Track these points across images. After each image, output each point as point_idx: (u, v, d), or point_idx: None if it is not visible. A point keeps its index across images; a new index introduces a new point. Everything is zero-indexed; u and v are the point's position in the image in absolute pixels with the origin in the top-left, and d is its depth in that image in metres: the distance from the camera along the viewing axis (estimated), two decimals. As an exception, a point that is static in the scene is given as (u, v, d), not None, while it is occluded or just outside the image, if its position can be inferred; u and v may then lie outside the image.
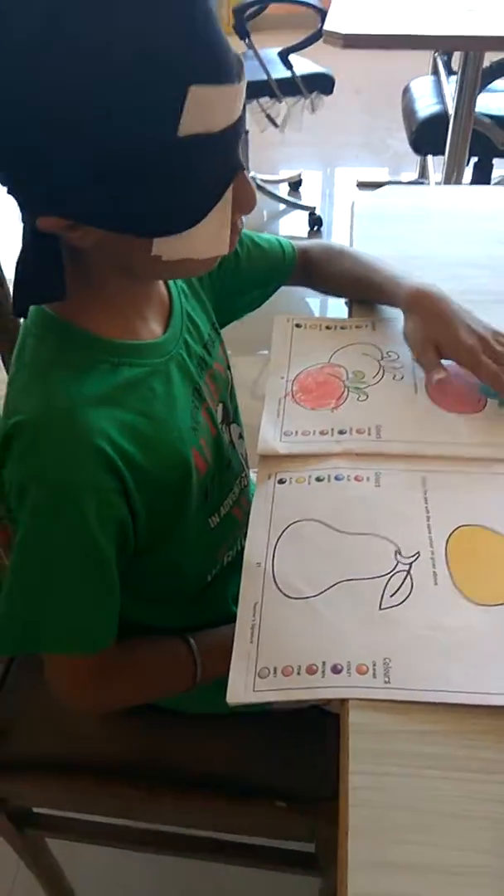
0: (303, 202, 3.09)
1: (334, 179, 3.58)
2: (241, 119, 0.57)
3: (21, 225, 0.60)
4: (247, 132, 2.91)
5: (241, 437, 0.88)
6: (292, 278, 0.96)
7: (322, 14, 2.10)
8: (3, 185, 0.56)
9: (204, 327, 0.80)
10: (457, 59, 2.12)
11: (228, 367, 0.87)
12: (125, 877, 1.22)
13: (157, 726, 0.87)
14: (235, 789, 0.83)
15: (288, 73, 2.58)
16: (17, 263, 0.61)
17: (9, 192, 0.57)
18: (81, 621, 0.66)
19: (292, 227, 3.08)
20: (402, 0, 1.99)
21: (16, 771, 0.88)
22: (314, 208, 2.99)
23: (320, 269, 0.95)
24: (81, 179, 0.53)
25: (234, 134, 0.56)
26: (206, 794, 0.84)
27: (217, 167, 0.57)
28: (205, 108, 0.52)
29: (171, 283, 0.76)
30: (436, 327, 0.81)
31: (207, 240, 0.60)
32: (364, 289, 0.93)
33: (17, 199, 0.57)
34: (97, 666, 0.69)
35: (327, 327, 0.92)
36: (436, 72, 2.66)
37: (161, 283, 0.74)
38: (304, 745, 0.84)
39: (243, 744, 0.86)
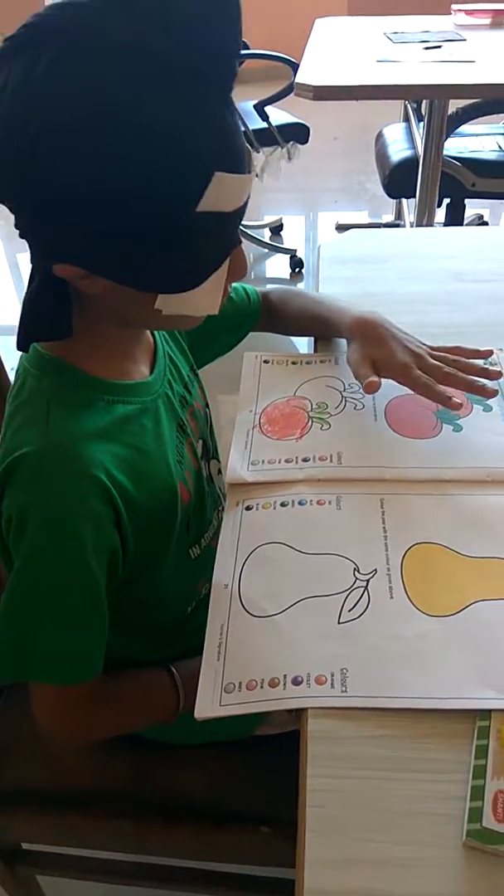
0: (284, 245, 3.18)
1: (316, 223, 3.68)
2: (247, 201, 0.63)
3: (31, 266, 0.65)
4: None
5: (219, 472, 0.92)
6: (258, 323, 1.02)
7: (295, 67, 2.20)
8: (22, 233, 0.61)
9: (183, 368, 0.85)
10: (425, 106, 2.22)
11: (207, 406, 0.92)
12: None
13: (141, 757, 0.89)
14: (219, 816, 0.85)
15: (264, 125, 2.69)
16: (25, 302, 0.66)
17: (22, 237, 0.61)
18: (73, 650, 0.68)
19: (275, 269, 3.17)
20: (369, 52, 2.09)
21: (2, 805, 0.89)
22: (295, 251, 3.08)
23: (278, 311, 1.01)
24: (103, 238, 0.58)
25: (241, 213, 0.63)
26: (190, 822, 0.85)
27: (223, 239, 0.64)
28: (222, 192, 0.58)
29: None
30: (373, 348, 0.86)
31: (204, 299, 0.65)
32: (315, 324, 0.98)
33: (32, 244, 0.62)
34: (84, 695, 0.71)
35: (293, 362, 0.96)
36: (407, 118, 2.76)
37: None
38: (286, 771, 0.85)
39: (225, 771, 0.87)
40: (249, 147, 2.72)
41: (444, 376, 0.82)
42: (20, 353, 0.70)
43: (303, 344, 2.35)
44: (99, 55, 0.52)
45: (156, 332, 0.81)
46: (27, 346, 0.68)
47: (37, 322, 0.66)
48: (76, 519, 0.64)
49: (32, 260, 0.65)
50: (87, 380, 0.70)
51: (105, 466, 0.66)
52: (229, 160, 0.58)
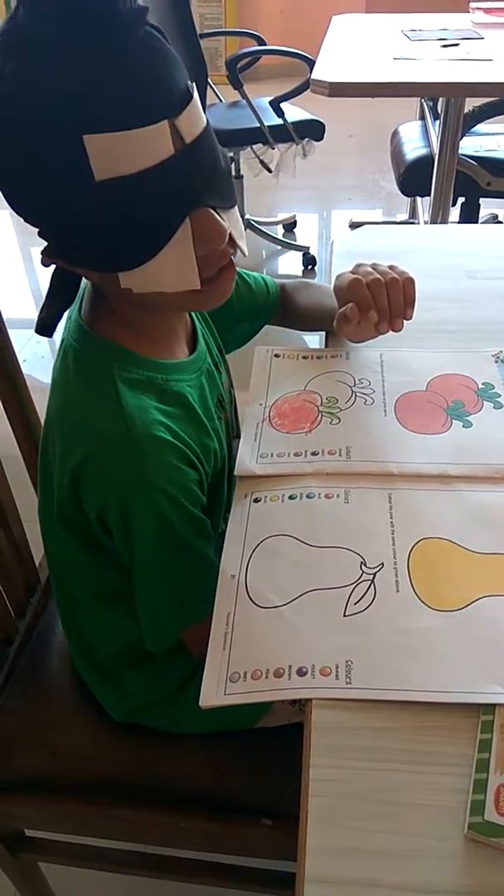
0: (297, 242, 3.18)
1: (329, 221, 3.68)
2: (182, 156, 0.58)
3: None
4: (241, 176, 3.01)
5: None
6: (275, 316, 1.02)
7: (311, 64, 2.20)
8: None
9: (213, 348, 0.87)
10: (442, 104, 2.21)
11: (232, 386, 0.94)
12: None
13: (145, 746, 0.89)
14: (221, 808, 0.85)
15: (280, 121, 2.68)
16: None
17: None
18: (215, 582, 0.70)
19: (288, 266, 3.16)
20: (386, 49, 2.09)
21: (7, 792, 0.89)
22: (308, 248, 3.08)
23: (292, 303, 1.01)
24: (44, 225, 0.60)
25: (168, 173, 0.57)
26: (192, 812, 0.85)
27: (156, 205, 0.58)
28: (109, 155, 0.55)
29: None
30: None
31: (173, 274, 0.62)
32: (325, 317, 0.98)
33: None
34: None
35: (304, 357, 0.96)
36: (423, 116, 2.76)
37: None
38: (290, 764, 0.86)
39: (229, 763, 0.88)
40: (265, 144, 2.72)
41: (377, 287, 0.86)
42: (39, 340, 0.73)
43: (314, 340, 2.36)
44: None
45: (191, 312, 0.82)
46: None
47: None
48: (174, 487, 0.68)
49: None
50: (141, 360, 0.71)
51: (179, 438, 0.69)
52: (106, 119, 0.54)
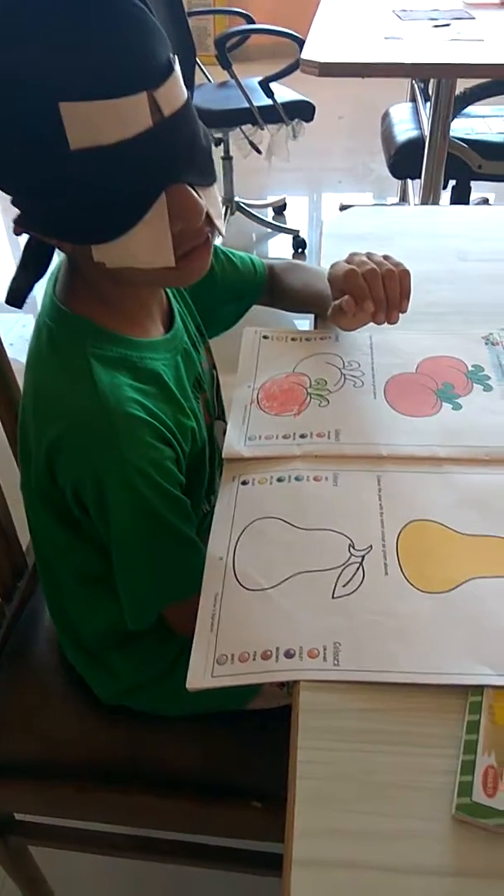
0: (287, 226, 3.16)
1: (319, 204, 3.66)
2: (160, 129, 0.57)
3: None
4: (230, 158, 2.99)
5: (224, 433, 0.92)
6: (262, 296, 1.01)
7: (301, 43, 2.17)
8: None
9: (190, 327, 0.86)
10: (433, 85, 2.19)
11: (214, 367, 0.93)
12: (109, 885, 1.23)
13: (134, 730, 0.89)
14: (211, 790, 0.85)
15: (269, 102, 2.65)
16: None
17: None
18: (192, 563, 0.70)
19: (277, 249, 3.14)
20: (377, 29, 2.06)
21: (-5, 776, 0.89)
22: (298, 231, 3.06)
23: (280, 283, 1.00)
24: (12, 189, 0.59)
25: (145, 145, 0.56)
26: (181, 795, 0.85)
27: (132, 178, 0.58)
28: (86, 124, 0.54)
29: None
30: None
31: (147, 250, 0.61)
32: (314, 300, 0.97)
33: None
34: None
35: (293, 339, 0.96)
36: (414, 98, 2.73)
37: None
38: (279, 747, 0.86)
39: (218, 746, 0.87)
40: (254, 125, 2.70)
41: (373, 278, 0.84)
42: (26, 324, 0.72)
43: (303, 322, 2.35)
44: None
45: (168, 290, 0.81)
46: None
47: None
48: (149, 465, 0.67)
49: None
50: (116, 337, 0.70)
51: (154, 415, 0.69)
52: (83, 87, 0.52)
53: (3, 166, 0.58)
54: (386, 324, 0.87)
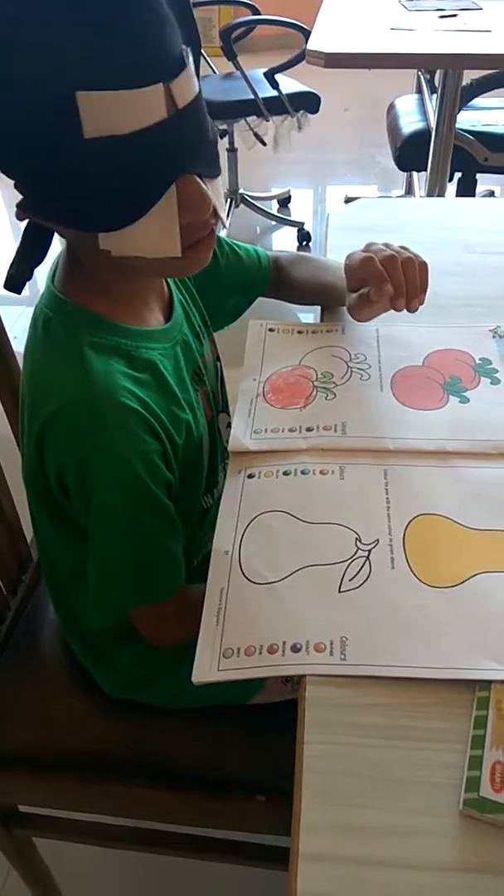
0: (292, 218, 3.15)
1: (324, 196, 3.64)
2: (174, 121, 0.57)
3: None
4: (235, 150, 2.97)
5: (228, 425, 0.92)
6: (267, 288, 1.00)
7: (307, 34, 2.16)
8: None
9: (194, 318, 0.85)
10: (439, 76, 2.18)
11: (218, 359, 0.92)
12: (112, 877, 1.24)
13: (139, 723, 0.89)
14: (215, 784, 0.85)
15: (274, 93, 2.64)
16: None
17: None
18: (166, 567, 0.71)
19: (282, 242, 3.13)
20: (383, 20, 2.05)
21: (0, 768, 0.89)
22: (303, 224, 3.04)
23: (287, 275, 0.99)
24: (21, 177, 0.58)
25: (158, 136, 0.56)
26: (185, 788, 0.85)
27: (144, 168, 0.58)
28: (101, 113, 0.54)
29: None
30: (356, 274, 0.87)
31: (154, 239, 0.61)
32: (321, 292, 0.96)
33: None
34: (176, 604, 0.74)
35: (299, 332, 0.95)
36: (420, 90, 2.71)
37: None
38: (284, 740, 0.86)
39: (223, 739, 0.87)
40: (259, 116, 2.68)
41: (392, 263, 0.83)
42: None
43: (309, 315, 2.35)
44: None
45: (169, 281, 0.81)
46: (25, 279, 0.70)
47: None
48: (134, 456, 0.66)
49: None
50: (112, 326, 0.70)
51: (146, 406, 0.68)
52: (100, 76, 0.53)
53: (16, 151, 0.57)
54: (406, 311, 0.85)
